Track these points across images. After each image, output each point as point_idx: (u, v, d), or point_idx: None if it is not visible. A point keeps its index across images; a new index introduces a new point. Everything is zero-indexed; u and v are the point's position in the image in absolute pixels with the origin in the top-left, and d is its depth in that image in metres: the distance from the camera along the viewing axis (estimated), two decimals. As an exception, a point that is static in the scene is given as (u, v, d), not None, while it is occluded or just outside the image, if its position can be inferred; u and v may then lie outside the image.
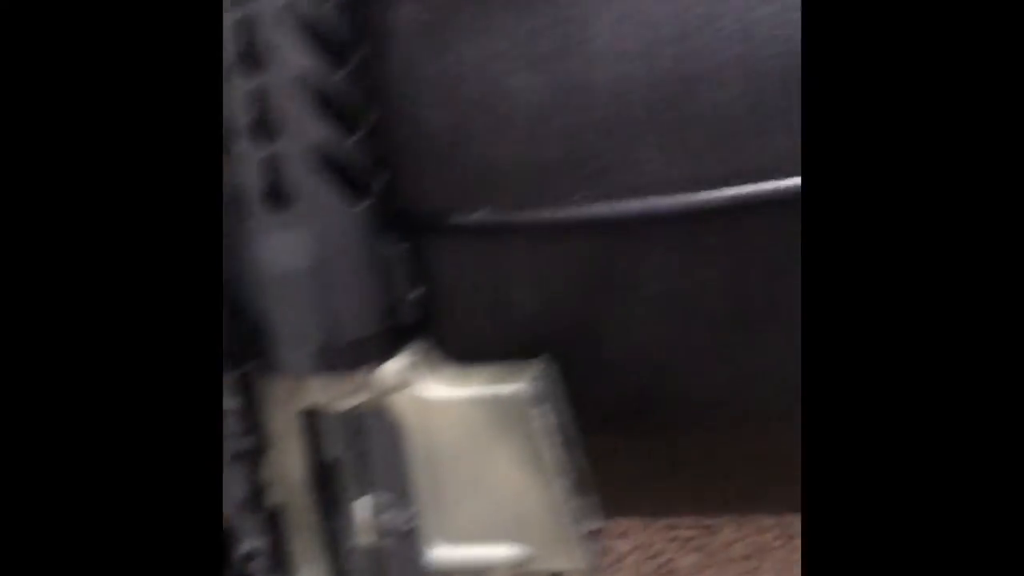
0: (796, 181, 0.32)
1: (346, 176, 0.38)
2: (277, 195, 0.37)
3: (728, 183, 0.33)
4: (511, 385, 0.39)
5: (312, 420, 0.41)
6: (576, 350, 0.40)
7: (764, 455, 0.45)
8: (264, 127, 0.37)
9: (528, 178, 0.36)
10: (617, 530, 0.68)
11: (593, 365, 0.40)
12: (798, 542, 0.68)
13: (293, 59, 0.36)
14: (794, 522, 0.69)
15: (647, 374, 0.39)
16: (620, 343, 0.39)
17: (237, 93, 0.36)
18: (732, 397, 0.39)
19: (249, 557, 0.40)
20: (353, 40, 0.38)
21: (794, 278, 0.35)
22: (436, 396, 0.39)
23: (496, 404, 0.39)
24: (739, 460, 0.45)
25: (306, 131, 0.37)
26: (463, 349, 0.41)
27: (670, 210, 0.35)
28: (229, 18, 0.35)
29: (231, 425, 0.39)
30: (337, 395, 0.40)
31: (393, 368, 0.39)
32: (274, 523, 0.41)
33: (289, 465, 0.41)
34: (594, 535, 0.41)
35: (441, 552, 0.41)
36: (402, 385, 0.39)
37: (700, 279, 0.36)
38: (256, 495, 0.40)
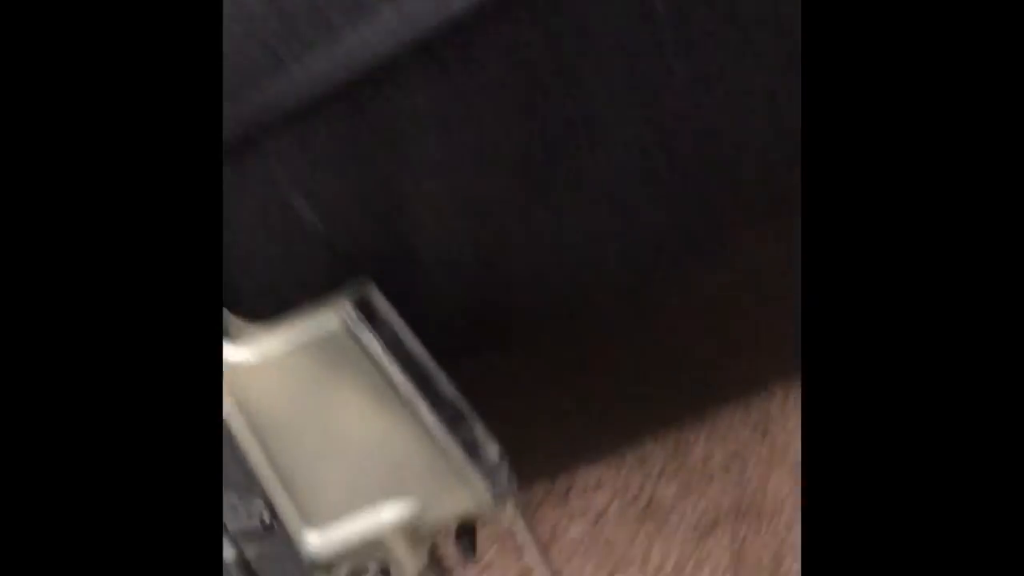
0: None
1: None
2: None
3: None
4: (327, 319, 0.33)
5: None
6: (388, 255, 0.34)
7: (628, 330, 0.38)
8: None
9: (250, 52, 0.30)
10: (590, 482, 0.61)
11: (410, 264, 0.34)
12: (774, 435, 0.61)
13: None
14: (767, 415, 0.62)
15: (466, 256, 0.33)
16: (425, 230, 0.32)
17: None
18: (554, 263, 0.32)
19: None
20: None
21: (573, 88, 0.29)
22: (248, 360, 0.33)
23: (318, 347, 0.33)
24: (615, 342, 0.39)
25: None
26: (265, 300, 0.35)
27: (419, 37, 0.29)
28: None
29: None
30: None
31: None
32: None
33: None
34: (496, 466, 0.35)
35: (316, 539, 0.34)
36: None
37: (475, 110, 0.30)
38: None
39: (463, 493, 0.34)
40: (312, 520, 0.34)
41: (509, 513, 0.34)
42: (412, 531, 0.34)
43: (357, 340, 0.32)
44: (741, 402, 0.62)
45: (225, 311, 0.34)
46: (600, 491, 0.61)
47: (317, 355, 0.33)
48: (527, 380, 0.43)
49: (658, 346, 0.43)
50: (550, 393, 0.43)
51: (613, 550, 0.60)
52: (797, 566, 0.59)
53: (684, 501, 0.60)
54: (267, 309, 0.34)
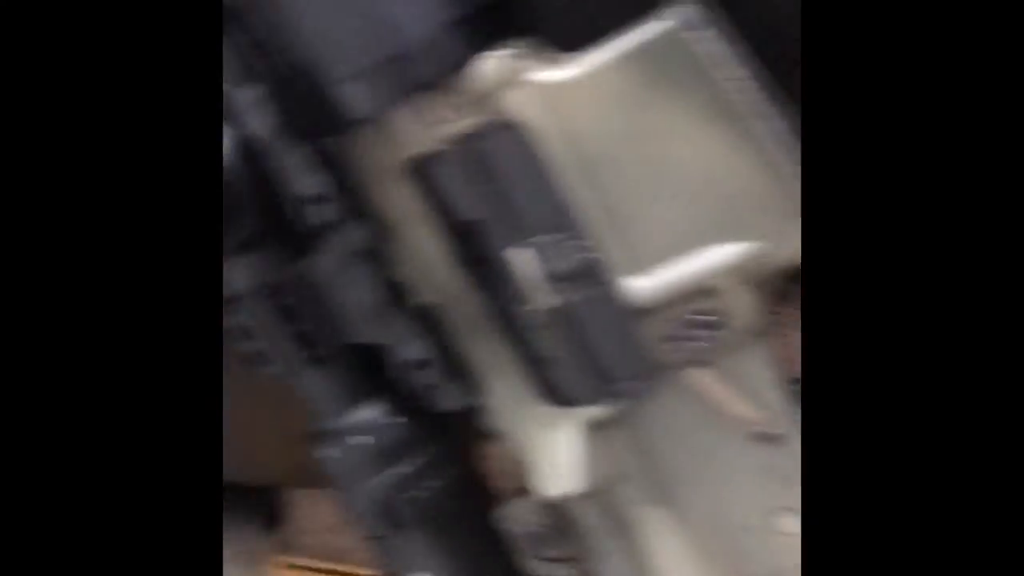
0: None
1: None
2: None
3: None
4: (652, 25, 0.28)
5: (421, 172, 0.31)
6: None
7: None
8: None
9: None
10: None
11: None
12: None
13: None
14: None
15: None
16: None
17: None
18: None
19: (419, 365, 0.31)
20: None
21: None
22: (562, 77, 0.29)
23: (644, 58, 0.28)
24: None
25: None
26: (572, 32, 0.31)
27: None
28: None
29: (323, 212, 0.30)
30: (434, 126, 0.30)
31: (492, 64, 0.29)
32: (429, 323, 0.32)
33: (417, 247, 0.32)
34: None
35: (640, 284, 0.30)
36: (509, 79, 0.29)
37: None
38: (393, 292, 0.31)
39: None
40: (637, 264, 0.30)
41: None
42: (750, 275, 0.30)
43: (697, 43, 0.28)
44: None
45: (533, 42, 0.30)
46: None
47: (648, 66, 0.28)
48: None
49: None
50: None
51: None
52: None
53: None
54: (585, 34, 0.30)
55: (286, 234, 0.31)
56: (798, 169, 0.28)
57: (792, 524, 0.33)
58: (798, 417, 0.32)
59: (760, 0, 0.31)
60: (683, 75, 0.28)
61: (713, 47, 0.27)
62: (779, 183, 0.29)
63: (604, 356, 0.31)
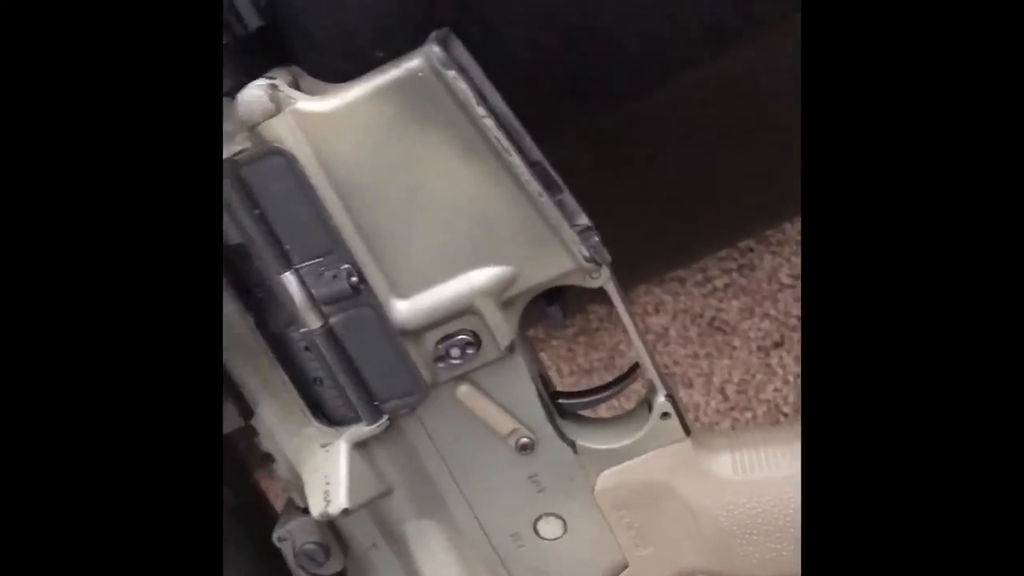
0: None
1: None
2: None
3: None
4: (409, 59, 0.30)
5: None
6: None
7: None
8: None
9: None
10: (649, 306, 0.59)
11: (491, 24, 0.31)
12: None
13: None
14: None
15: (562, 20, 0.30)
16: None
17: None
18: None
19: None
20: None
21: None
22: (325, 107, 0.30)
23: (402, 90, 0.30)
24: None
25: None
26: (343, 56, 0.32)
27: None
28: None
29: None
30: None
31: (256, 93, 0.30)
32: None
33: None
34: (589, 229, 0.32)
35: (405, 307, 0.32)
36: (274, 108, 0.30)
37: None
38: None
39: (557, 256, 0.32)
40: (400, 288, 0.32)
41: (604, 277, 0.32)
42: (504, 296, 0.32)
43: (443, 81, 0.30)
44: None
45: (295, 71, 0.32)
46: (660, 314, 0.59)
47: (401, 100, 0.30)
48: (592, 167, 0.40)
49: (731, 142, 0.40)
50: (615, 188, 0.41)
51: (675, 371, 0.58)
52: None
53: (749, 319, 0.58)
54: (346, 67, 0.31)
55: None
56: (544, 199, 0.31)
57: (551, 529, 0.36)
58: (549, 428, 0.34)
59: (506, 44, 0.34)
60: (430, 110, 0.30)
61: (458, 85, 0.29)
62: (523, 212, 0.31)
63: (370, 376, 0.33)
